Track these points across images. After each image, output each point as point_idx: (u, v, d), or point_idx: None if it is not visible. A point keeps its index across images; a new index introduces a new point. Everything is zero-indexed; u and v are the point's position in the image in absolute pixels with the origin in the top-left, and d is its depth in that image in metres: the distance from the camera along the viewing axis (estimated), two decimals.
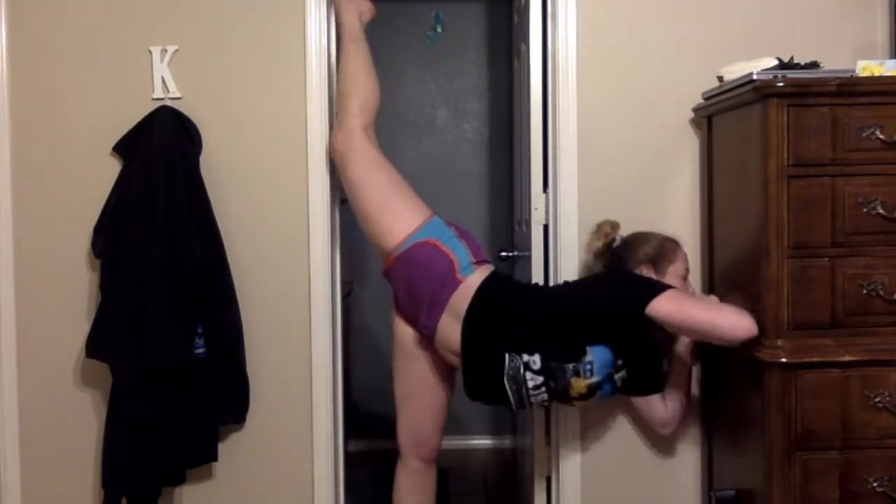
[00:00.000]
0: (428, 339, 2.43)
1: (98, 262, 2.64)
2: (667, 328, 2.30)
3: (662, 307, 2.23)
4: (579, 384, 2.28)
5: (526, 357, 2.28)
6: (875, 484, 2.13)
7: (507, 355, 2.29)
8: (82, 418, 2.73)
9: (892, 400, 2.13)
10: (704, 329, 2.22)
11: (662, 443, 2.75)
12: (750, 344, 2.24)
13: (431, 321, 2.37)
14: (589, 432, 2.75)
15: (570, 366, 2.27)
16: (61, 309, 2.73)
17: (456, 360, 2.39)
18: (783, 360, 2.13)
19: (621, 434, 2.75)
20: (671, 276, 2.44)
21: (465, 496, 3.89)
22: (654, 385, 2.47)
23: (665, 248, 2.47)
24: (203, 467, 2.70)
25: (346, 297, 2.92)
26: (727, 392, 2.53)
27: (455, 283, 2.34)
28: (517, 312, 2.34)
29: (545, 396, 2.32)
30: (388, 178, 2.51)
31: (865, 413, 2.13)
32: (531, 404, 2.37)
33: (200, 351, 2.58)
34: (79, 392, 2.74)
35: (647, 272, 2.44)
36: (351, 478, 3.05)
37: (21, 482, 2.74)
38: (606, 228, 2.55)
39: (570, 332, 2.29)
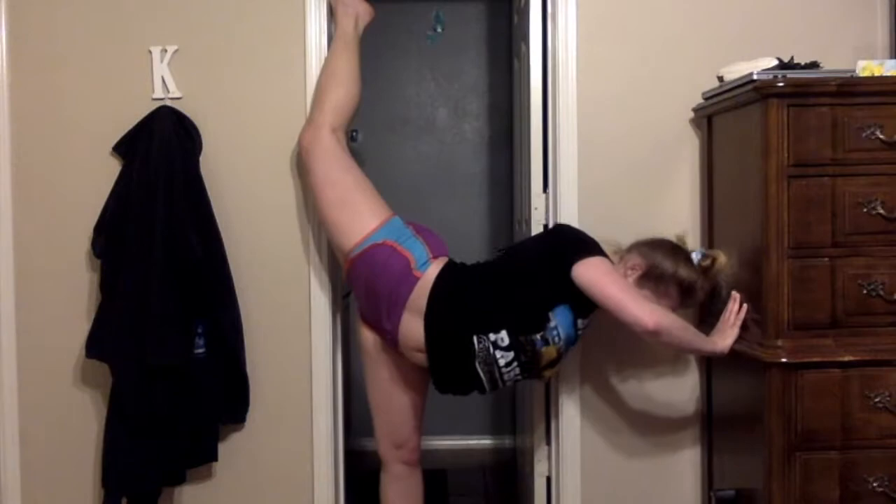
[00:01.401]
0: (392, 342, 2.41)
1: (98, 262, 2.64)
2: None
3: (583, 273, 2.23)
4: (549, 351, 2.30)
5: (493, 336, 2.27)
6: (875, 484, 2.13)
7: (474, 338, 2.27)
8: (82, 418, 2.73)
9: (892, 400, 2.13)
10: (612, 308, 2.21)
11: (663, 443, 2.75)
12: (750, 343, 2.24)
13: (392, 323, 2.35)
14: (589, 433, 2.74)
15: (538, 336, 2.27)
16: (61, 309, 2.72)
17: (422, 359, 2.36)
18: (783, 360, 2.13)
19: (621, 434, 2.75)
20: (660, 299, 2.34)
21: (465, 496, 3.89)
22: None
23: (675, 286, 2.35)
24: (203, 467, 2.69)
25: (345, 296, 2.92)
26: (727, 392, 2.53)
27: (413, 281, 2.32)
28: (475, 293, 2.33)
29: (517, 371, 2.32)
30: (349, 178, 2.48)
31: (865, 413, 2.14)
32: (504, 383, 2.36)
33: (200, 351, 2.58)
34: (79, 392, 2.74)
35: (634, 270, 2.36)
36: (351, 478, 3.05)
37: (21, 482, 2.74)
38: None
39: (528, 301, 2.28)
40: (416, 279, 2.32)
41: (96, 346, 2.57)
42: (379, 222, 2.40)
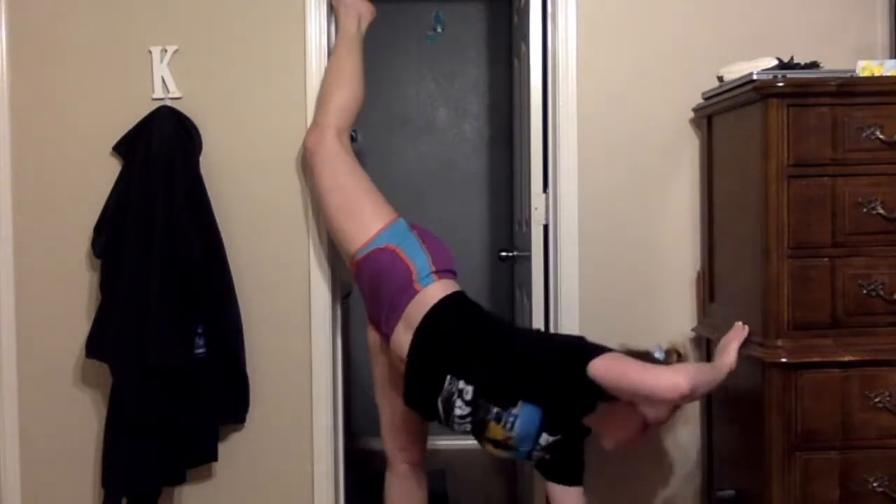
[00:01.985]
0: (388, 346, 2.40)
1: (98, 262, 2.64)
2: (605, 388, 2.06)
3: (599, 364, 2.04)
4: (495, 430, 2.16)
5: (462, 385, 2.17)
6: (875, 484, 2.13)
7: (447, 377, 2.19)
8: (82, 418, 2.73)
9: (892, 400, 2.13)
10: (640, 392, 2.01)
11: (663, 443, 2.75)
12: (750, 344, 2.24)
13: (389, 328, 2.33)
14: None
15: (495, 409, 2.14)
16: (61, 309, 2.72)
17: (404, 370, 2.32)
18: (783, 360, 2.13)
19: None
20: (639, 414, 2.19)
21: (465, 496, 3.89)
22: (572, 473, 2.26)
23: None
24: (203, 467, 2.69)
25: (346, 297, 2.92)
26: (727, 392, 2.52)
27: (412, 293, 2.28)
28: (467, 339, 2.23)
29: (468, 428, 2.22)
30: (354, 181, 2.47)
31: (865, 413, 2.14)
32: (454, 428, 2.25)
33: (200, 351, 2.58)
34: (79, 392, 2.74)
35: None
36: (351, 478, 3.05)
37: (21, 482, 2.74)
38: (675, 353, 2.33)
39: (509, 377, 2.15)
40: (415, 293, 2.28)
41: (96, 346, 2.57)
42: (382, 225, 2.39)
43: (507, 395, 2.14)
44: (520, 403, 2.12)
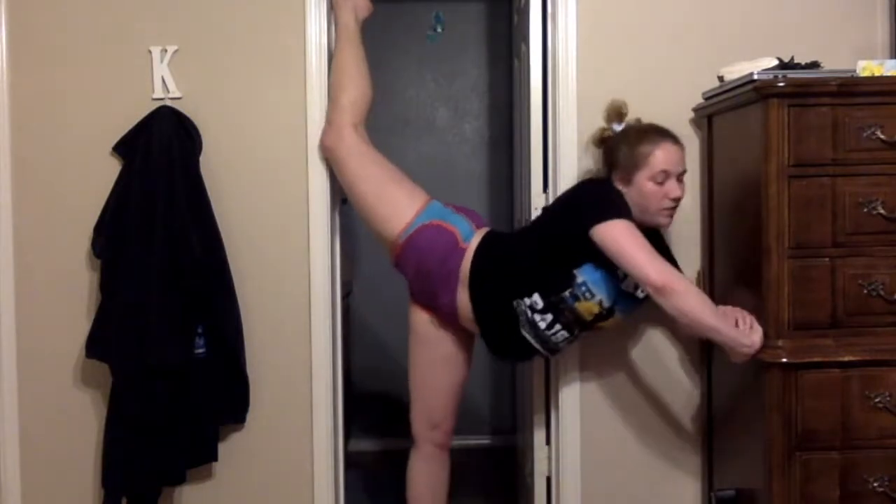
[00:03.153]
0: (450, 317, 2.47)
1: (98, 262, 2.64)
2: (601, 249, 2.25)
3: (600, 233, 2.22)
4: (586, 306, 2.32)
5: (528, 300, 2.32)
6: (875, 484, 2.13)
7: (514, 303, 2.33)
8: (82, 418, 2.73)
9: (892, 400, 2.13)
10: (626, 265, 2.20)
11: (663, 443, 2.75)
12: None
13: (448, 296, 2.42)
14: (589, 432, 2.74)
15: (567, 292, 2.31)
16: (61, 309, 2.72)
17: (477, 329, 2.45)
18: (783, 360, 2.13)
19: (621, 434, 2.75)
20: (642, 181, 2.30)
21: (465, 496, 3.89)
22: None
23: (637, 157, 2.31)
24: (203, 467, 2.69)
25: (345, 297, 2.92)
26: (727, 392, 2.53)
27: (461, 252, 2.41)
28: (507, 260, 2.39)
29: (565, 333, 2.36)
30: (381, 170, 2.57)
31: (865, 413, 2.14)
32: (557, 345, 2.40)
33: (200, 351, 2.58)
34: (79, 392, 2.74)
35: (620, 186, 2.35)
36: (351, 478, 3.04)
37: (21, 482, 2.74)
38: (611, 115, 2.50)
39: (550, 262, 2.32)
40: (464, 250, 2.41)
41: (96, 346, 2.57)
42: (419, 206, 2.50)
43: (565, 276, 2.30)
44: (575, 272, 2.30)
